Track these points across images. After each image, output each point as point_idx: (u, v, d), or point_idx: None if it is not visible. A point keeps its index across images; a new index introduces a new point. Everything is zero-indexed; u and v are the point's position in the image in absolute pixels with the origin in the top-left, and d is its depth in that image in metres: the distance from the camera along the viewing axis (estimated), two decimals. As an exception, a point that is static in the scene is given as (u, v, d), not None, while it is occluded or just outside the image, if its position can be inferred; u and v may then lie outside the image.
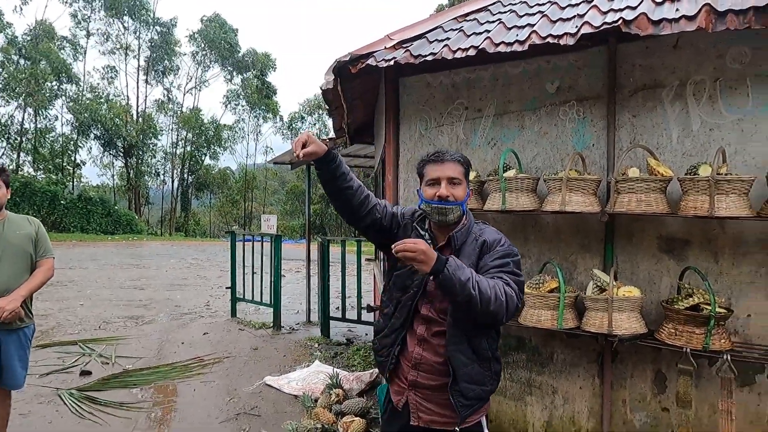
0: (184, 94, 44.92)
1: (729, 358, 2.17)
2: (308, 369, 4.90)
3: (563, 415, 2.85)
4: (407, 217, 1.96)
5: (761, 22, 2.03)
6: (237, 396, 4.44)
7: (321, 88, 3.55)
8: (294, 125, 40.68)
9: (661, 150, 2.57)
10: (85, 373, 4.94)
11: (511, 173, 2.74)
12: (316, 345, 6.07)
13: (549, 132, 2.88)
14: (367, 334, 6.57)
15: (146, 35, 35.90)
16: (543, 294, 2.57)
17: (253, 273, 7.62)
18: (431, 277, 1.64)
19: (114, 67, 35.67)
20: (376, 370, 2.16)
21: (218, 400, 4.34)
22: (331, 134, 6.95)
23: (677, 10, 2.23)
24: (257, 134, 43.42)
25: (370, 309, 3.12)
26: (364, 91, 4.13)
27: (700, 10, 2.14)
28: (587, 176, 2.54)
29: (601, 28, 2.31)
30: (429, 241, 1.82)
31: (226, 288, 8.04)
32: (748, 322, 2.39)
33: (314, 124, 40.24)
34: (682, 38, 2.46)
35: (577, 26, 2.41)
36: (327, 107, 4.23)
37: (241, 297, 7.69)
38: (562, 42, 2.39)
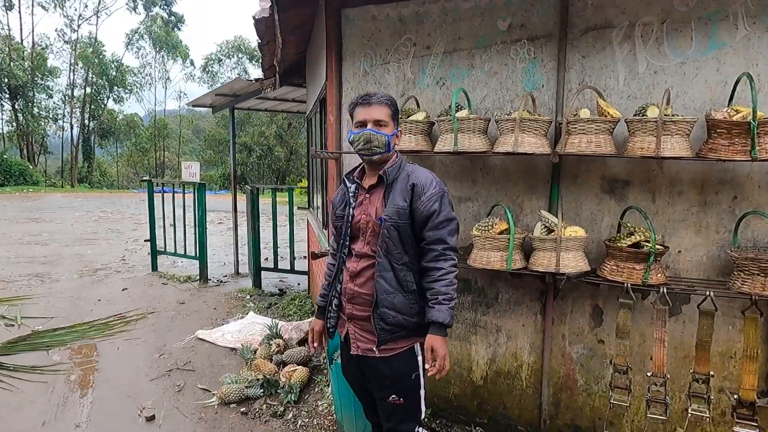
0: (78, 27, 39.70)
1: (665, 290, 2.30)
2: (243, 321, 4.74)
3: (506, 351, 2.95)
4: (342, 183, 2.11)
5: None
6: (167, 352, 4.20)
7: (254, 17, 3.21)
8: (210, 68, 37.86)
9: (608, 92, 2.59)
10: (-15, 337, 4.43)
11: (463, 113, 2.66)
12: (248, 296, 5.88)
13: (499, 72, 2.81)
14: (299, 284, 6.45)
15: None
16: (493, 236, 2.57)
17: (174, 225, 7.15)
18: None
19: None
20: (314, 319, 2.22)
21: (147, 358, 4.09)
22: (253, 78, 6.48)
23: (636, -56, 2.18)
24: (166, 80, 40.12)
25: (314, 256, 2.98)
26: (299, 24, 3.81)
27: (659, -55, 2.11)
28: (539, 117, 2.51)
29: (561, -41, 2.22)
30: (354, 191, 2.01)
31: (145, 240, 7.50)
32: (678, 258, 2.56)
33: (234, 68, 37.72)
34: (633, -23, 2.44)
35: (535, -43, 2.30)
36: (258, 41, 3.86)
37: (162, 250, 7.22)
38: (521, -27, 2.28)
